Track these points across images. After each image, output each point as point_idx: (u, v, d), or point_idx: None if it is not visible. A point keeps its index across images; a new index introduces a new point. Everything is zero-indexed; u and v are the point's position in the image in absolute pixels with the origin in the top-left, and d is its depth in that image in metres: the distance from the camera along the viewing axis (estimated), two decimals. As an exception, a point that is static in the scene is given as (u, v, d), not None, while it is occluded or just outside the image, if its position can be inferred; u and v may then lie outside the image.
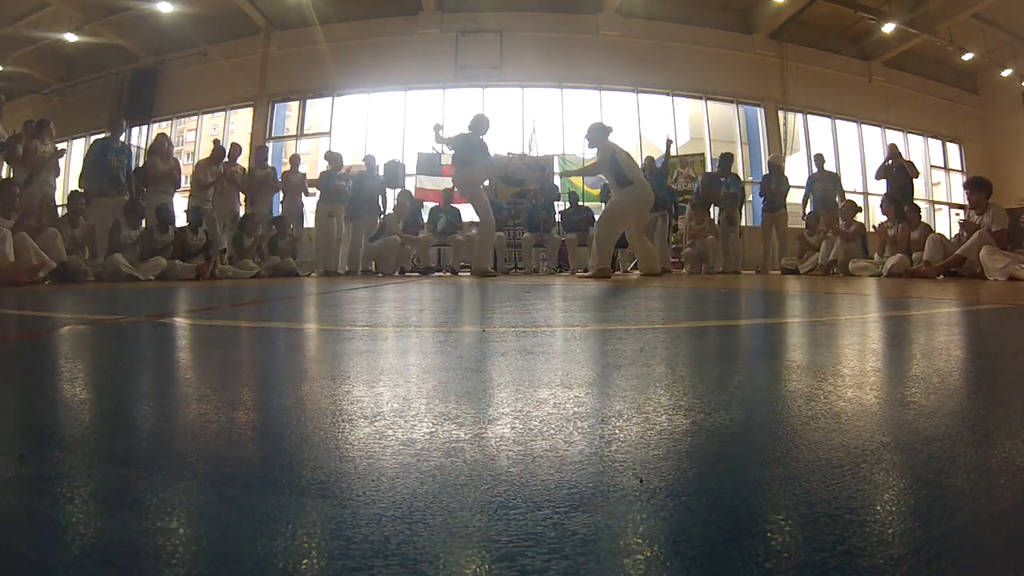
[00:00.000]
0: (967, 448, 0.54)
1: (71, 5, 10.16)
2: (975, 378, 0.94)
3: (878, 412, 0.68)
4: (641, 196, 5.72)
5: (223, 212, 7.43)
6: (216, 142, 7.81)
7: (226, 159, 7.49)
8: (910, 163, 7.67)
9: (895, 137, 11.73)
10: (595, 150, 5.91)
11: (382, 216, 7.93)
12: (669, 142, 6.96)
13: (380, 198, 8.16)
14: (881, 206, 6.89)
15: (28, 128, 6.25)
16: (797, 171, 11.51)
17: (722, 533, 0.37)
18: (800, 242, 7.66)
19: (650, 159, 9.35)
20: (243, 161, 7.93)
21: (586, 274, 5.84)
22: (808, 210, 8.03)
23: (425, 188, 10.19)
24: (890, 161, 7.57)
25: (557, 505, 0.41)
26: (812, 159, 8.49)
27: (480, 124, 6.48)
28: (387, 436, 0.58)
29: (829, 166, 8.53)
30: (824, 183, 8.02)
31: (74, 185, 7.00)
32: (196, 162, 7.53)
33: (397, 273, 7.57)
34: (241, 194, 7.75)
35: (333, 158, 8.04)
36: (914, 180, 7.50)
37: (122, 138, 7.22)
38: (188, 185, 7.61)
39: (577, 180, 10.45)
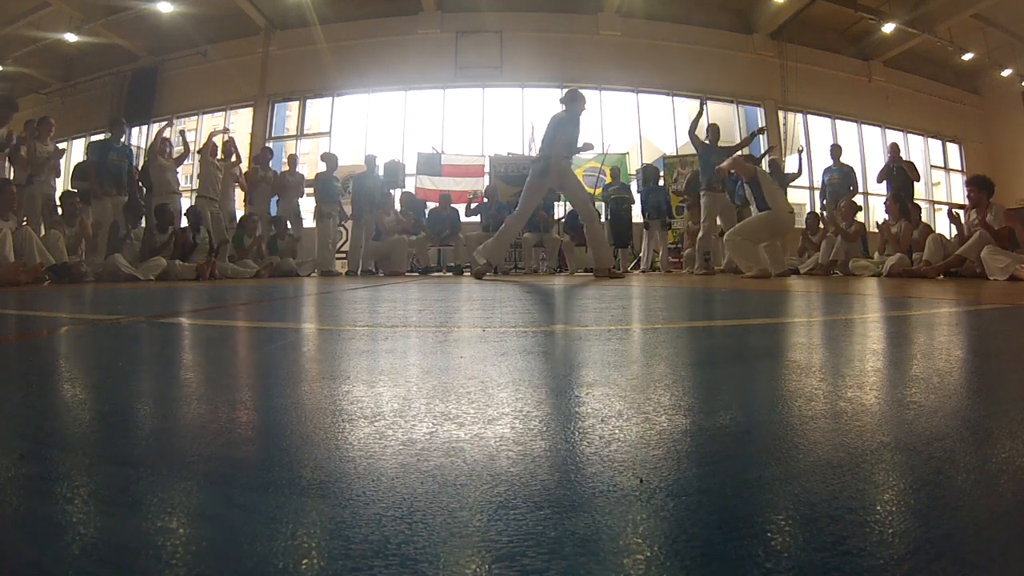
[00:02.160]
0: (967, 448, 0.54)
1: (71, 5, 10.17)
2: (975, 378, 0.94)
3: (878, 412, 0.68)
4: (774, 221, 5.73)
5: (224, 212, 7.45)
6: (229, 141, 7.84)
7: (234, 158, 7.53)
8: (911, 164, 7.65)
9: (895, 137, 11.73)
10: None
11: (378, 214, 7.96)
12: (703, 102, 7.17)
13: (384, 198, 8.17)
14: (885, 204, 6.90)
15: (29, 128, 6.26)
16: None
17: (722, 533, 0.37)
18: (803, 239, 7.64)
19: (648, 167, 9.36)
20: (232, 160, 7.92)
21: (749, 275, 5.61)
22: (824, 202, 7.98)
23: (425, 188, 10.19)
24: (893, 170, 7.55)
25: (557, 505, 0.41)
26: (828, 151, 8.35)
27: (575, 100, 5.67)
28: (387, 436, 0.58)
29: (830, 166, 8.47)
30: (833, 174, 7.94)
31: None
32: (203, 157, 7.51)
33: (404, 273, 7.58)
34: (239, 193, 7.76)
35: (329, 159, 8.06)
36: (915, 183, 7.47)
37: (124, 138, 7.23)
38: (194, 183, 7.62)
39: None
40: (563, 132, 5.53)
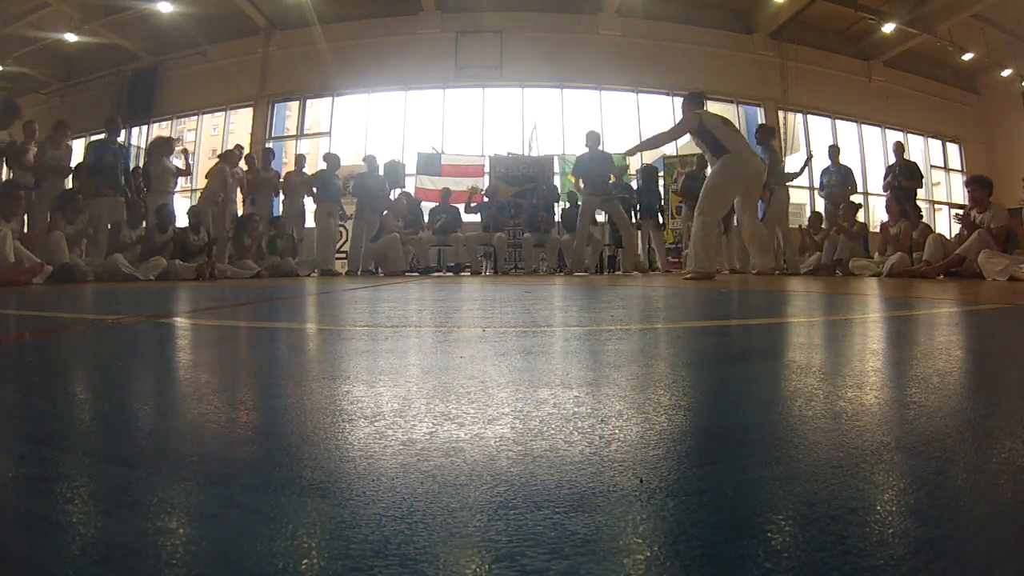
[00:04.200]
0: (967, 448, 0.54)
1: (71, 5, 10.16)
2: (975, 378, 0.94)
3: (878, 412, 0.68)
4: (740, 166, 4.77)
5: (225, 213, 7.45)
6: (237, 147, 7.91)
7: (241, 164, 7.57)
8: (913, 165, 7.64)
9: (895, 137, 11.73)
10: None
11: (383, 214, 7.95)
12: (810, 156, 7.42)
13: (385, 198, 8.17)
14: (886, 205, 6.92)
15: (28, 129, 6.24)
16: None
17: (722, 533, 0.37)
18: (804, 237, 7.63)
19: (648, 167, 9.37)
20: (243, 163, 7.96)
21: (688, 275, 5.02)
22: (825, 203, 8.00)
23: (425, 188, 10.19)
24: (896, 169, 7.55)
25: (557, 505, 0.41)
26: (827, 152, 8.33)
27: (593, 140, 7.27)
28: (387, 436, 0.58)
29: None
30: (832, 176, 7.94)
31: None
32: (213, 165, 7.57)
33: (403, 272, 7.58)
34: (239, 195, 7.76)
35: (331, 159, 8.05)
36: (916, 187, 7.48)
37: (120, 138, 7.23)
38: (194, 184, 7.65)
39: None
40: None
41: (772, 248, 5.89)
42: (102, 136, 6.95)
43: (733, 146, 4.85)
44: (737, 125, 11.48)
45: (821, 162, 8.62)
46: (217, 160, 7.54)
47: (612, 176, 8.81)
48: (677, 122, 5.30)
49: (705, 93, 5.66)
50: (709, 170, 5.12)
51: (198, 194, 7.68)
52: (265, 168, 7.97)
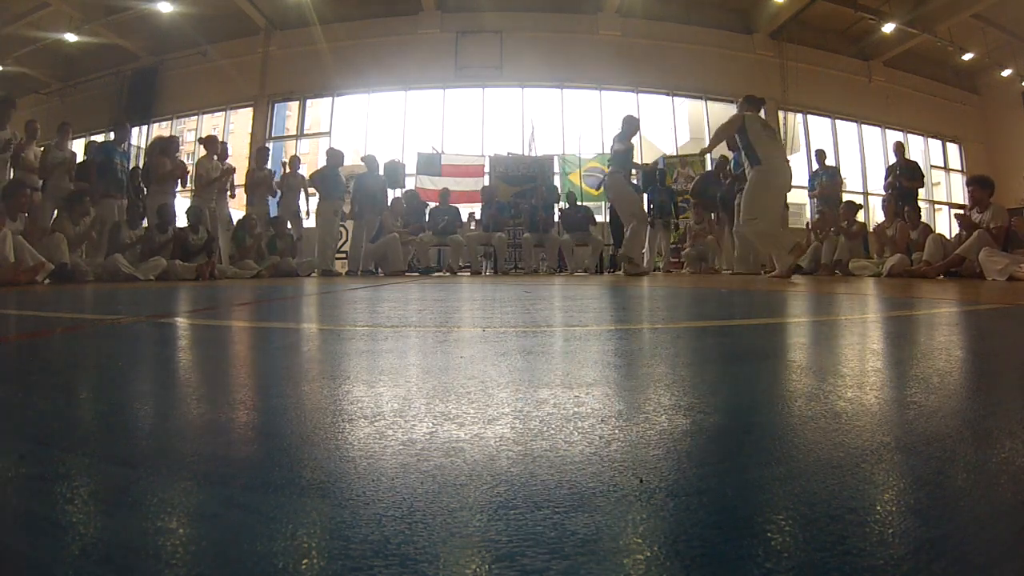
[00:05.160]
0: (967, 448, 0.54)
1: (71, 5, 10.16)
2: (975, 378, 0.94)
3: (878, 412, 0.68)
4: (770, 177, 5.00)
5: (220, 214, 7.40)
6: (210, 137, 7.79)
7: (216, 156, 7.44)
8: (914, 165, 7.65)
9: (895, 137, 11.73)
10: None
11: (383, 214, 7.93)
12: (660, 160, 7.14)
13: (386, 199, 8.14)
14: (883, 204, 6.95)
15: (30, 129, 6.24)
16: (797, 172, 11.54)
17: (722, 533, 0.37)
18: (811, 234, 7.63)
19: (651, 166, 9.39)
20: (232, 161, 7.85)
21: (772, 273, 5.18)
22: (816, 204, 8.07)
23: (425, 188, 10.19)
24: (896, 170, 7.57)
25: (557, 505, 0.41)
26: (814, 155, 8.45)
27: (630, 126, 6.82)
28: (387, 436, 0.58)
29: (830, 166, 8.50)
30: (822, 178, 8.01)
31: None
32: (196, 160, 7.50)
33: (403, 272, 7.57)
34: (230, 197, 7.68)
35: (334, 155, 8.00)
36: (917, 187, 7.49)
37: (125, 143, 7.23)
38: (191, 184, 7.58)
39: (575, 179, 10.48)
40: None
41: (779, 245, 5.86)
42: (107, 138, 6.94)
43: (765, 156, 5.06)
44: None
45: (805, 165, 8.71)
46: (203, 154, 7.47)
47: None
48: (729, 118, 5.46)
49: (764, 100, 5.81)
50: (747, 171, 5.30)
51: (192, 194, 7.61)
52: (260, 168, 7.94)
